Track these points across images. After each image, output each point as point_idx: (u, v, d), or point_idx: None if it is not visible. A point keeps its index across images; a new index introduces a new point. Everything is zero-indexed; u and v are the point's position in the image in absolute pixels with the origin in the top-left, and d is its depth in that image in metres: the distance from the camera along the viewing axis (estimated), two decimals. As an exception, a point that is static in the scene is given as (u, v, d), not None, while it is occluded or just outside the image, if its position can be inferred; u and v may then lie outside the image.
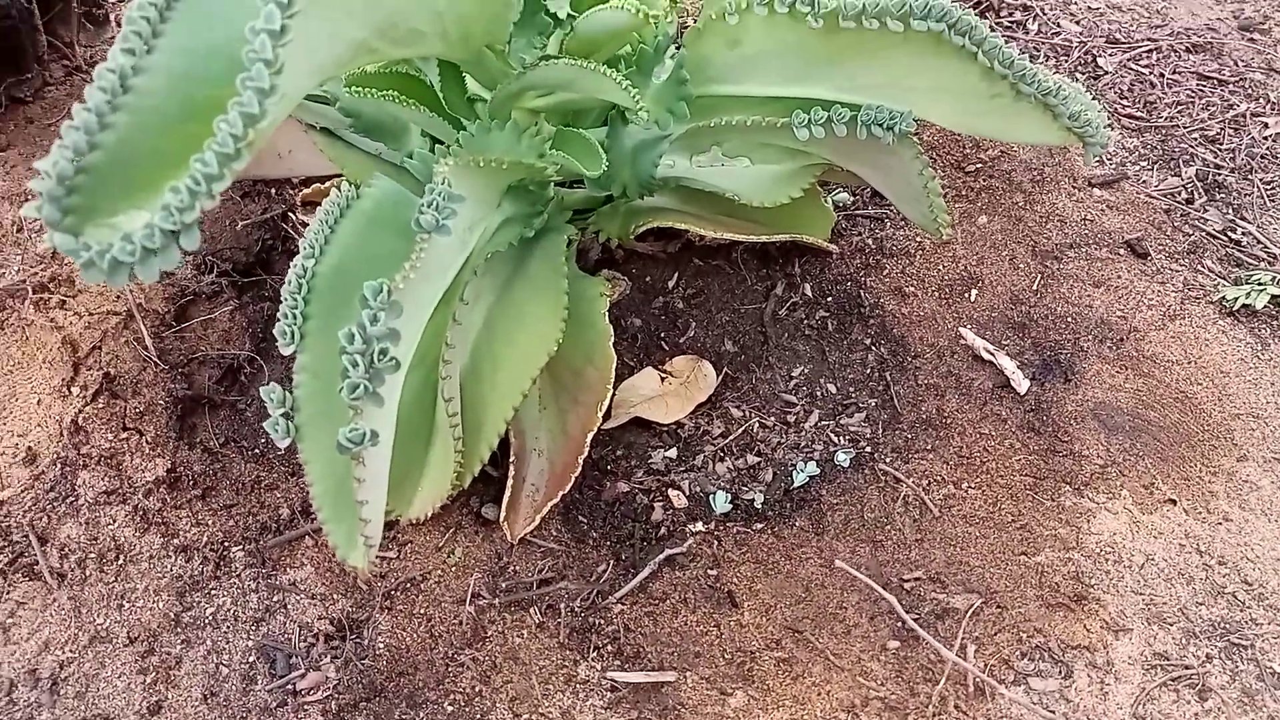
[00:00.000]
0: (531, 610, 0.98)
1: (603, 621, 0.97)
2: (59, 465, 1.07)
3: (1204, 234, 1.34)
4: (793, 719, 0.90)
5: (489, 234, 0.98)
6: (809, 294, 1.26)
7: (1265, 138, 1.47)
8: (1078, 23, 1.69)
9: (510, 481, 1.03)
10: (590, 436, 1.02)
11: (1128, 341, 1.21)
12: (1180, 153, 1.46)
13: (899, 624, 0.96)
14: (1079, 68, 1.61)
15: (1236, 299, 1.24)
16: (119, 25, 1.50)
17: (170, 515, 1.04)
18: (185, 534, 1.03)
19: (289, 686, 0.93)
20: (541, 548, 1.02)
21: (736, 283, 1.26)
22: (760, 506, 1.07)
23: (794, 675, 0.93)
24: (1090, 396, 1.15)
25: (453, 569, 1.01)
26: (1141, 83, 1.57)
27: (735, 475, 1.10)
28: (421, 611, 0.98)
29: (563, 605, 0.98)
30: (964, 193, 1.38)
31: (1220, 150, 1.45)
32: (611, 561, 1.02)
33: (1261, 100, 1.54)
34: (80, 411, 1.10)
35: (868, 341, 1.22)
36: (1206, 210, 1.37)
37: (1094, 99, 1.50)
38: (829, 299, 1.25)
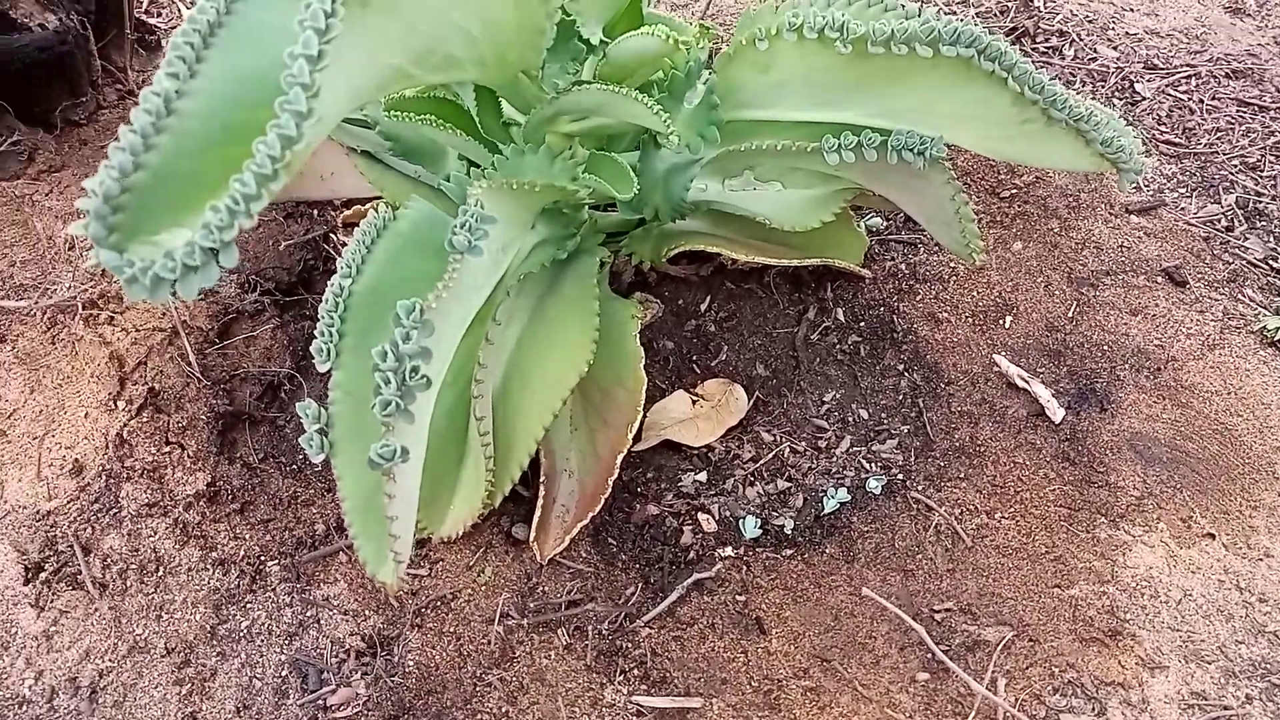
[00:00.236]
0: (559, 631, 0.98)
1: (630, 645, 0.97)
2: (104, 477, 1.09)
3: (1244, 262, 1.32)
4: (819, 746, 0.90)
5: (522, 255, 1.00)
6: (841, 319, 1.26)
7: (1310, 165, 1.45)
8: (1115, 48, 1.68)
9: (540, 502, 1.04)
10: (620, 458, 1.03)
11: (1165, 371, 1.19)
12: (1220, 180, 1.44)
13: (929, 655, 0.95)
14: (1116, 94, 1.60)
15: (1278, 329, 1.22)
16: (171, 52, 1.55)
17: (209, 529, 1.06)
18: (223, 547, 1.05)
19: (320, 702, 0.94)
20: (570, 569, 1.03)
21: (769, 306, 1.26)
22: (790, 532, 1.06)
23: (821, 705, 0.93)
24: (1127, 426, 1.14)
25: (482, 588, 1.02)
26: (1180, 109, 1.56)
27: (765, 500, 1.09)
28: (451, 630, 0.98)
29: (590, 627, 0.98)
30: (999, 218, 1.37)
31: (1261, 177, 1.43)
32: (640, 584, 1.02)
33: (1306, 127, 1.52)
34: (125, 425, 1.13)
35: (900, 367, 1.21)
36: (1247, 238, 1.35)
37: (1131, 125, 1.49)
38: (861, 324, 1.25)
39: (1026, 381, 1.17)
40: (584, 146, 1.07)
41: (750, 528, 1.06)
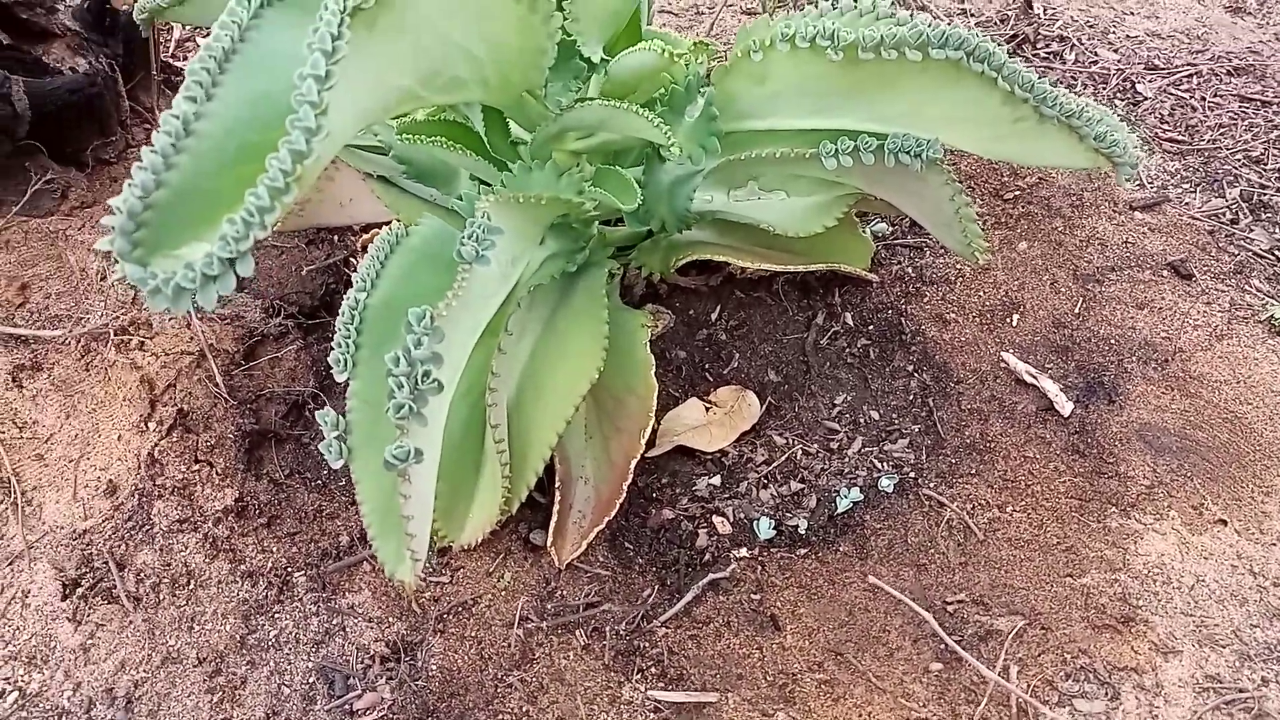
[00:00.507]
0: (578, 633, 1.00)
1: (647, 644, 0.99)
2: (136, 496, 1.13)
3: (1250, 253, 1.33)
4: (835, 738, 0.91)
5: (533, 269, 1.03)
6: (850, 323, 1.28)
7: (1316, 157, 1.46)
8: (1116, 51, 1.69)
9: (557, 508, 1.07)
10: (634, 464, 1.05)
11: (1173, 362, 1.20)
12: (1223, 174, 1.45)
13: (941, 646, 0.96)
14: (1118, 94, 1.62)
15: (1287, 318, 1.23)
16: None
17: (238, 542, 1.10)
18: (251, 560, 1.08)
19: (347, 707, 0.97)
20: (588, 573, 1.05)
21: (778, 313, 1.29)
22: (804, 532, 1.08)
23: (836, 697, 0.94)
24: (1136, 418, 1.15)
25: (502, 593, 1.04)
26: (1182, 107, 1.57)
27: (779, 502, 1.11)
28: (472, 634, 1.01)
29: (608, 628, 1.00)
30: (1003, 220, 1.39)
31: (1265, 170, 1.44)
32: (656, 586, 1.04)
33: (1311, 120, 1.53)
34: (156, 445, 1.16)
35: (910, 368, 1.23)
36: (1252, 230, 1.36)
37: (1133, 124, 1.51)
38: (870, 327, 1.27)
39: (1034, 377, 1.18)
40: (590, 163, 1.10)
41: (764, 529, 1.08)
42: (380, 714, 0.97)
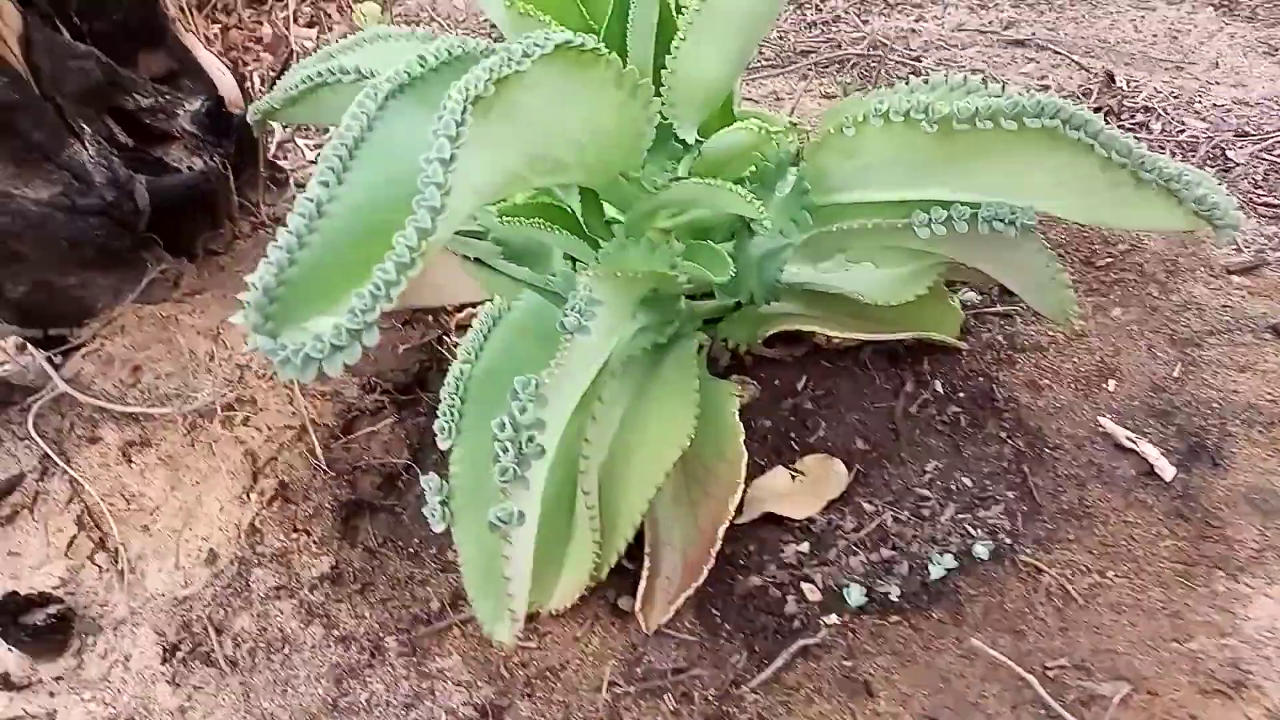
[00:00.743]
0: (666, 698, 1.00)
1: (736, 710, 0.98)
2: (236, 564, 1.17)
3: (1354, 317, 1.29)
4: (938, 818, 0.88)
5: (625, 340, 1.05)
6: (939, 390, 1.27)
7: None
8: (1203, 120, 1.68)
9: (645, 573, 1.07)
10: (722, 530, 1.05)
11: (1279, 425, 1.16)
12: (1323, 237, 1.42)
13: (1041, 711, 0.93)
14: (1208, 161, 1.60)
15: (1400, 383, 1.18)
16: (298, 187, 1.69)
17: (332, 608, 1.12)
18: (344, 625, 1.10)
19: (438, 771, 0.97)
20: (676, 638, 1.05)
21: (865, 382, 1.28)
22: (896, 599, 1.06)
23: (936, 770, 0.91)
24: (1242, 481, 1.11)
25: (590, 658, 1.04)
26: (1276, 171, 1.55)
27: (869, 569, 1.10)
28: (560, 699, 1.01)
29: (696, 693, 0.99)
30: (1095, 287, 1.37)
31: (1365, 233, 1.40)
32: (745, 652, 1.03)
33: None
34: (257, 515, 1.20)
35: (1003, 435, 1.21)
36: (1356, 293, 1.32)
37: (1226, 189, 1.48)
38: (960, 394, 1.26)
39: (1134, 442, 1.16)
40: (679, 239, 1.13)
41: (855, 596, 1.06)
42: (472, 781, 0.97)
